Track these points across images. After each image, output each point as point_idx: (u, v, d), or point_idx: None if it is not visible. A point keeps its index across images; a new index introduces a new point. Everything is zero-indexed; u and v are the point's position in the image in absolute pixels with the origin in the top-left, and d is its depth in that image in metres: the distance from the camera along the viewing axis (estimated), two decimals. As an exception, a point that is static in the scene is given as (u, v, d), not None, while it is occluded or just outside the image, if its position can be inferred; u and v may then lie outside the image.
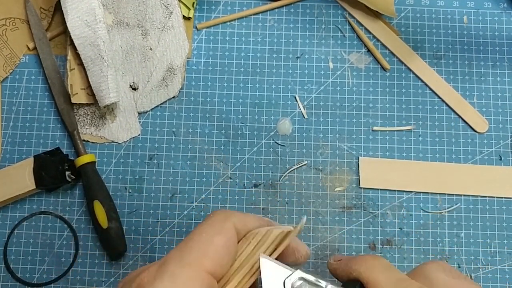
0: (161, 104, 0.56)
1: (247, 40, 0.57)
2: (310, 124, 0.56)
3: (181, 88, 0.56)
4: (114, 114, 0.55)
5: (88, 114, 0.55)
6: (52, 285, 0.52)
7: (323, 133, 0.55)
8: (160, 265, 0.28)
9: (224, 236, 0.29)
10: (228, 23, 0.58)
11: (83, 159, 0.53)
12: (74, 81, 0.54)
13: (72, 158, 0.54)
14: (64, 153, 0.54)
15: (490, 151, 0.55)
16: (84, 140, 0.55)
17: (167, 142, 0.55)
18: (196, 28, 0.58)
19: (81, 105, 0.55)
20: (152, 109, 0.56)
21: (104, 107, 0.53)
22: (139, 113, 0.56)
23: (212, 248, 0.29)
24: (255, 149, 0.55)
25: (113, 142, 0.55)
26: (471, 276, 0.52)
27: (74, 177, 0.52)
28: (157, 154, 0.55)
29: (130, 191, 0.54)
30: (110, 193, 0.53)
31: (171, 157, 0.55)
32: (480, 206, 0.54)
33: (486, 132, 0.55)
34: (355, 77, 0.57)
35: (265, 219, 0.34)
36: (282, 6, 0.58)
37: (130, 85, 0.54)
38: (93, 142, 0.55)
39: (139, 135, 0.55)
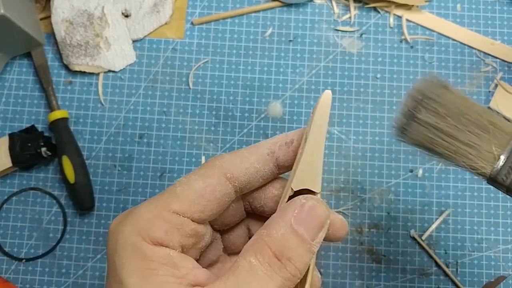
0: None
1: (240, 22, 0.58)
2: (301, 107, 0.56)
3: (172, 14, 0.57)
4: (108, 42, 0.55)
5: (82, 45, 0.55)
6: (40, 260, 0.53)
7: (314, 117, 0.55)
8: (131, 211, 0.28)
9: (203, 182, 0.28)
10: (222, 5, 0.58)
11: (55, 115, 0.54)
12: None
13: (47, 135, 0.54)
14: (40, 130, 0.55)
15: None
16: (81, 71, 0.56)
17: (158, 122, 0.55)
18: (192, 23, 0.58)
19: (73, 35, 0.55)
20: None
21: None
22: (133, 41, 0.57)
23: (186, 192, 0.28)
24: (245, 130, 0.55)
25: (110, 71, 0.56)
26: (457, 263, 0.52)
27: (50, 153, 0.53)
28: (147, 133, 0.55)
29: (120, 169, 0.54)
30: (99, 170, 0.54)
31: (161, 137, 0.55)
32: (468, 193, 0.54)
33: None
34: (347, 62, 0.57)
35: (265, 152, 0.30)
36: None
37: (122, 13, 0.55)
38: (90, 73, 0.56)
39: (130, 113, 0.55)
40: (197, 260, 0.29)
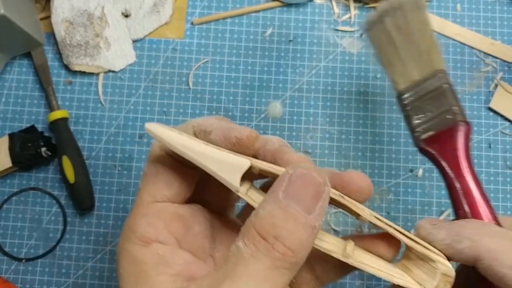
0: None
1: (240, 22, 0.58)
2: (301, 107, 0.56)
3: (172, 14, 0.57)
4: (108, 42, 0.55)
5: (82, 45, 0.55)
6: (40, 260, 0.53)
7: (314, 117, 0.55)
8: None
9: (152, 165, 0.29)
10: (222, 5, 0.58)
11: (55, 115, 0.54)
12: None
13: (47, 135, 0.54)
14: (40, 130, 0.55)
15: (480, 139, 0.55)
16: (81, 71, 0.56)
17: (158, 122, 0.55)
18: (192, 23, 0.58)
19: (73, 35, 0.55)
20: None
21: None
22: (133, 41, 0.57)
23: (146, 180, 0.28)
24: (245, 130, 0.55)
25: (110, 71, 0.56)
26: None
27: (50, 153, 0.53)
28: (147, 133, 0.55)
29: (120, 169, 0.54)
30: (99, 170, 0.54)
31: (161, 137, 0.55)
32: (468, 193, 0.54)
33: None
34: (347, 62, 0.57)
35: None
36: (276, -10, 0.58)
37: (122, 13, 0.55)
38: (90, 73, 0.56)
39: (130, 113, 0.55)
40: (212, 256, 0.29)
